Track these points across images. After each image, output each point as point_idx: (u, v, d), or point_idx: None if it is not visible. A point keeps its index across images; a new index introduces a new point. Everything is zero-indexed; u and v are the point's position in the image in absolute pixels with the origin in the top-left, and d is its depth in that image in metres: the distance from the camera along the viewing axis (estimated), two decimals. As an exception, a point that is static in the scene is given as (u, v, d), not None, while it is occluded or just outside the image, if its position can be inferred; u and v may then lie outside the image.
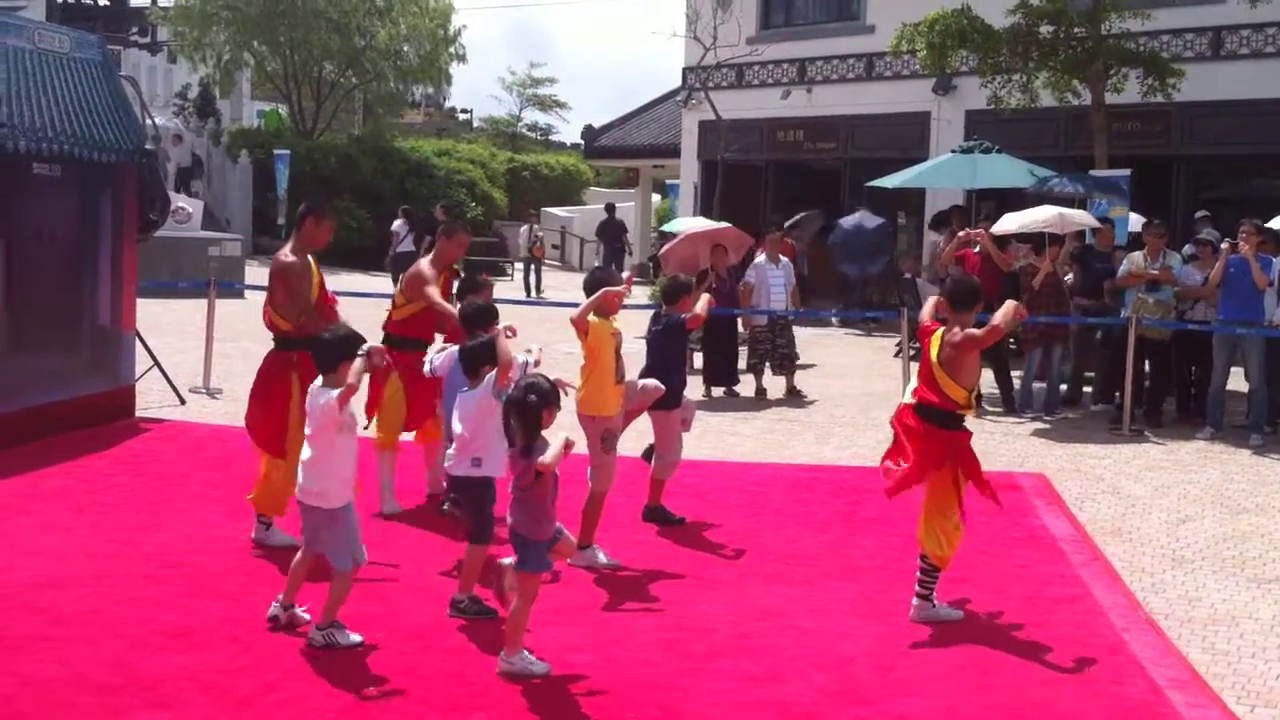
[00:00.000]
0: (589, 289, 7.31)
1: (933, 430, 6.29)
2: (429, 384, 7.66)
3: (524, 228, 29.86)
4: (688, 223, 20.13)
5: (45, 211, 9.77)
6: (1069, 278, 13.18)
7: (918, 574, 6.33)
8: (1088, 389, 13.62)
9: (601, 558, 7.11)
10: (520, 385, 5.54)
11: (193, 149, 33.35)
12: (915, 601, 6.32)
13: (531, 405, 5.38)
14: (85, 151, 9.93)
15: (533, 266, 27.76)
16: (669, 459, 8.14)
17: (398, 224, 23.97)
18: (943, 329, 6.37)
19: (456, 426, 6.18)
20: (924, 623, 6.23)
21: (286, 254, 7.29)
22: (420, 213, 25.26)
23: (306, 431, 5.81)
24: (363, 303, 12.40)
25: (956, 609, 6.39)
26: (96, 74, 10.29)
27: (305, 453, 5.77)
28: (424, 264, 8.21)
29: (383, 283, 28.16)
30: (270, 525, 7.20)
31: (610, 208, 30.52)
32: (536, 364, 6.45)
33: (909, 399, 6.51)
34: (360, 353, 5.58)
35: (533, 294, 26.63)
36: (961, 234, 13.74)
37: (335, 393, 5.56)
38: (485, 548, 6.09)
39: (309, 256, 7.36)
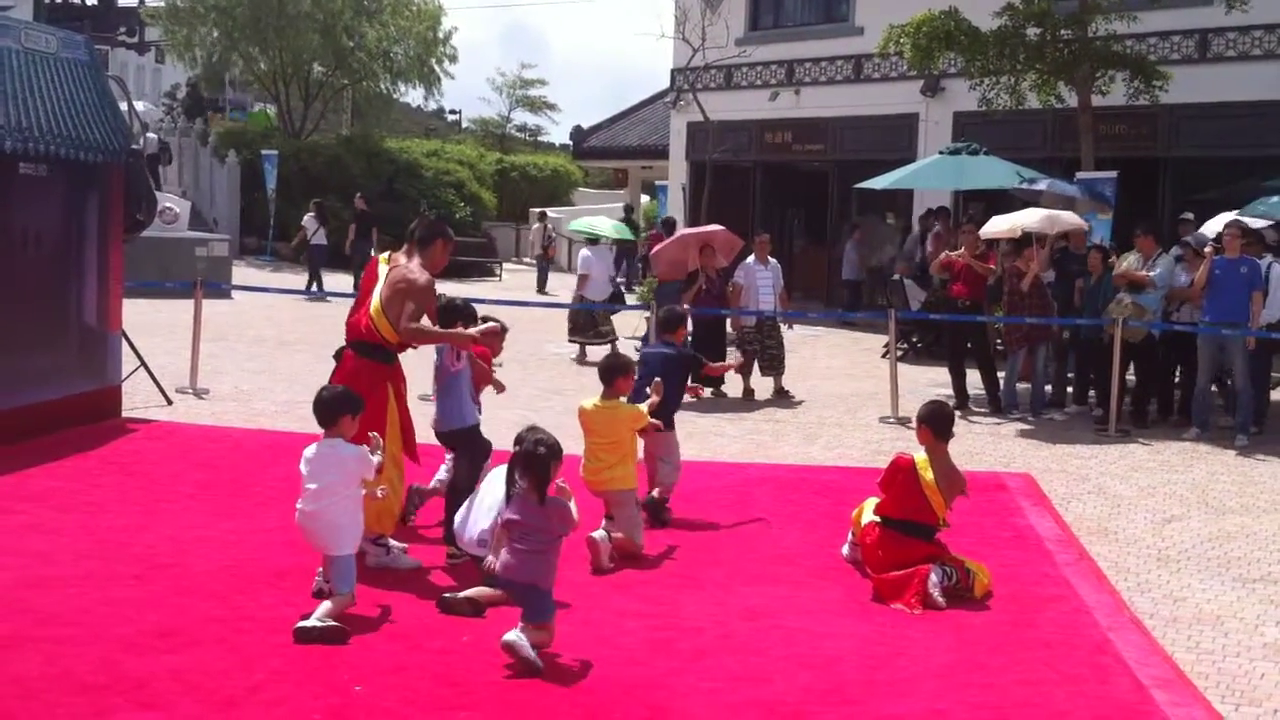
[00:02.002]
0: (605, 375, 7.51)
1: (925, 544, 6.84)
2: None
3: (535, 226, 30.23)
4: (589, 221, 20.45)
5: (31, 211, 9.73)
6: (1049, 278, 13.28)
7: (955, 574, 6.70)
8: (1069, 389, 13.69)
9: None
10: (528, 439, 5.63)
11: (159, 136, 33.25)
12: (939, 570, 6.62)
13: (541, 457, 5.52)
14: (72, 151, 9.90)
15: (544, 265, 28.53)
16: (672, 467, 8.28)
17: (308, 218, 24.85)
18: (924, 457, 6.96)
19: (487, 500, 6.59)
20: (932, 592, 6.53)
21: (420, 270, 6.89)
22: (373, 210, 26.15)
23: (319, 485, 5.94)
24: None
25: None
26: (83, 74, 10.26)
27: (315, 502, 5.94)
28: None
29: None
30: (390, 549, 6.89)
31: (629, 209, 30.59)
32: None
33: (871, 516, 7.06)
34: (375, 452, 6.04)
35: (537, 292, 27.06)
36: (941, 258, 13.75)
37: (360, 450, 5.97)
38: None
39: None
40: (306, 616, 5.70)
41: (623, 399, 7.55)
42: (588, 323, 16.43)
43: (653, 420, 7.67)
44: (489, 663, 5.43)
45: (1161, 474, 10.18)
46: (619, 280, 17.71)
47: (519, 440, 5.73)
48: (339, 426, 6.04)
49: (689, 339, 8.84)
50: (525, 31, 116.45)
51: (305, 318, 19.13)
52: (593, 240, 17.94)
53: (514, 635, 5.38)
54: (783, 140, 25.13)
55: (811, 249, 25.94)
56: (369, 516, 6.71)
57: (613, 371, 7.51)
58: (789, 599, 6.61)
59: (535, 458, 5.53)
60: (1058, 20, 16.19)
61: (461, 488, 7.10)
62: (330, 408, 6.08)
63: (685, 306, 8.41)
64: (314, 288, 23.24)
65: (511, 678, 5.31)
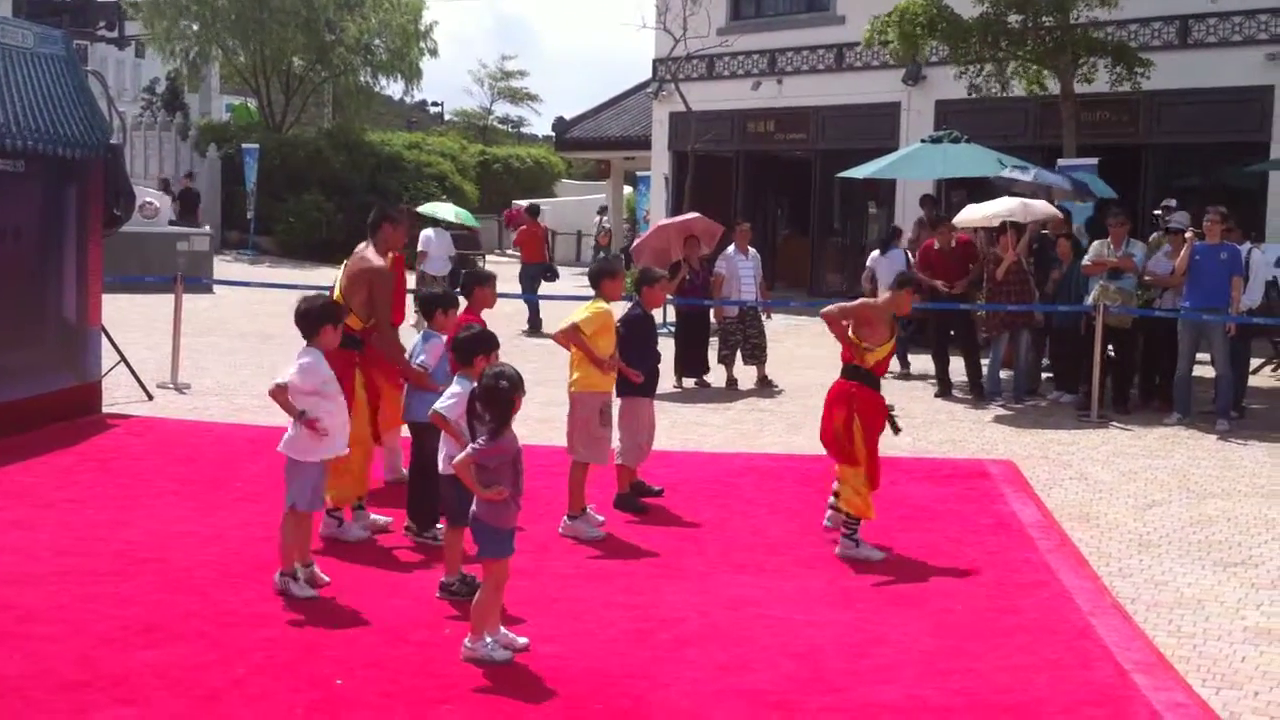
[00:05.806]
0: (592, 279, 7.81)
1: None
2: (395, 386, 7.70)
3: (596, 219, 33.34)
4: (434, 206, 22.15)
5: (9, 207, 9.68)
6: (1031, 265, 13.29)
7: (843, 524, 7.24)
8: (1047, 375, 13.70)
9: (592, 530, 7.43)
10: (490, 373, 5.60)
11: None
12: (841, 540, 7.21)
13: (503, 390, 5.48)
14: (49, 147, 9.84)
15: (599, 254, 30.04)
16: (632, 443, 8.21)
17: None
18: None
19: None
20: (848, 560, 7.08)
21: (373, 257, 7.53)
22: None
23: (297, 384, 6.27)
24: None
25: (879, 549, 7.13)
26: (61, 69, 10.20)
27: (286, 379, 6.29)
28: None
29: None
30: (343, 521, 7.18)
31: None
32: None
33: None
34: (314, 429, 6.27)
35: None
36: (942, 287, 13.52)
37: (311, 362, 6.27)
38: (464, 530, 6.06)
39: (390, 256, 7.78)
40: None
41: (605, 303, 7.68)
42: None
43: (577, 323, 7.57)
44: (471, 655, 5.42)
45: (1143, 459, 10.21)
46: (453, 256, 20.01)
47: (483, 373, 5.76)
48: (321, 337, 6.30)
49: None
50: (511, 23, 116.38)
51: (287, 312, 19.04)
52: (434, 222, 19.98)
53: (464, 650, 5.39)
54: (765, 130, 25.11)
55: (795, 239, 25.95)
56: (341, 482, 6.96)
57: (598, 275, 7.79)
58: (772, 588, 6.61)
59: (497, 391, 5.49)
60: (1040, 7, 16.20)
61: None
62: (310, 319, 6.34)
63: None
64: None
65: (492, 670, 5.30)
